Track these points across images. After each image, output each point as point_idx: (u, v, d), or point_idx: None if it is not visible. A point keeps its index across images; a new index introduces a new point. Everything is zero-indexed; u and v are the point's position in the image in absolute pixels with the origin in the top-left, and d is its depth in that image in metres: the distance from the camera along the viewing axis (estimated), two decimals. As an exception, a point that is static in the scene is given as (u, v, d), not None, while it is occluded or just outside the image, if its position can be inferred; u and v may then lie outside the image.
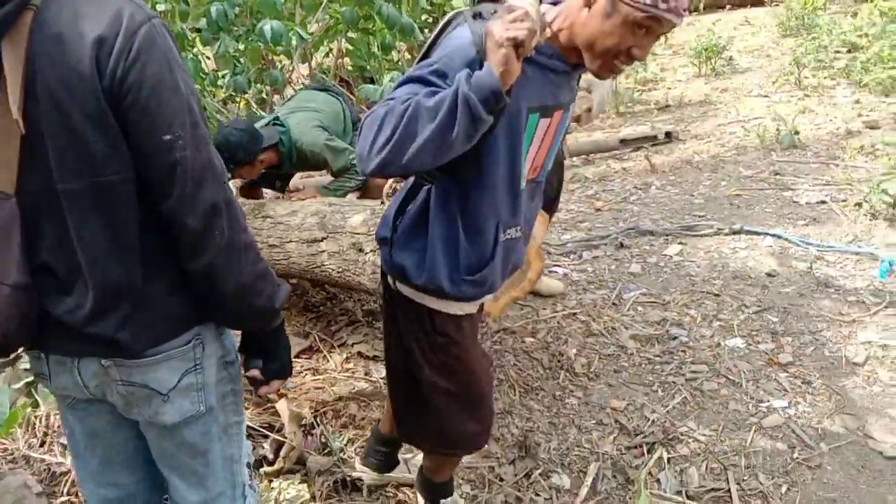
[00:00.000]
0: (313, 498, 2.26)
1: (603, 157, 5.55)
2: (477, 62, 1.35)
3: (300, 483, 2.27)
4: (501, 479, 2.38)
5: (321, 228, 2.76)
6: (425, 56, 1.51)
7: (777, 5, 9.72)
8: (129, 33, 1.06)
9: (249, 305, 1.27)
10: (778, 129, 5.32)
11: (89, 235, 1.14)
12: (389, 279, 1.71)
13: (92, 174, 1.11)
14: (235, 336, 1.40)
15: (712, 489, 2.28)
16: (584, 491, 2.30)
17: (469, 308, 1.72)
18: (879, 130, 5.14)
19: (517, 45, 1.23)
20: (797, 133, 5.21)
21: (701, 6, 10.01)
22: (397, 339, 1.76)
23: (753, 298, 3.34)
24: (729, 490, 2.26)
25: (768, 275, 3.53)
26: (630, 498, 2.27)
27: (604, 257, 3.94)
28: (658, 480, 2.32)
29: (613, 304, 3.42)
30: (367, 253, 2.57)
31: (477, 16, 1.44)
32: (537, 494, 2.32)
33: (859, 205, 4.08)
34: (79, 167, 1.10)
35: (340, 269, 2.67)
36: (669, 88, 7.18)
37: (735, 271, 3.62)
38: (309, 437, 2.47)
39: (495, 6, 1.42)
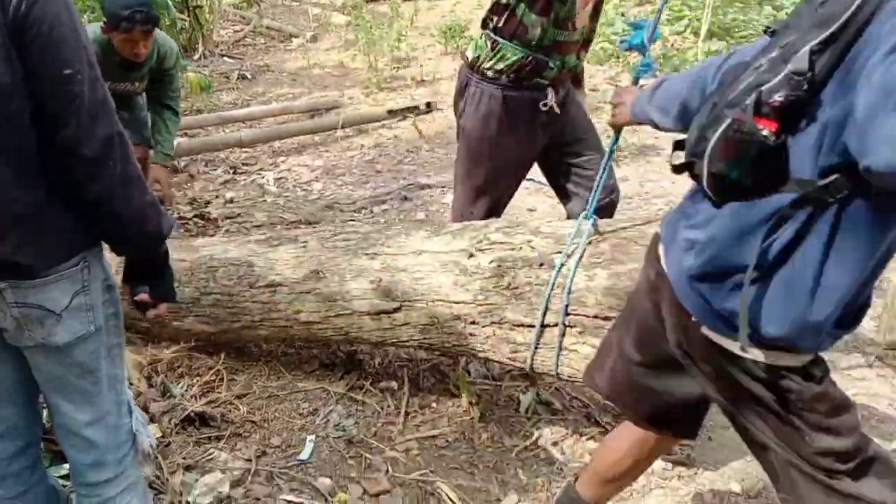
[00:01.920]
0: (164, 435, 2.38)
1: (374, 127, 5.95)
2: None
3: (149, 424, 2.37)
4: (336, 394, 2.68)
5: (385, 296, 2.38)
6: None
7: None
8: None
9: (140, 231, 1.39)
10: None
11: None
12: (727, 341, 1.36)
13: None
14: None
15: (508, 371, 2.78)
16: (408, 388, 2.68)
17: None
18: (597, 92, 6.17)
19: None
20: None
21: (438, -8, 10.80)
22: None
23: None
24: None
25: (529, 210, 4.20)
26: (446, 389, 2.71)
27: (391, 210, 4.36)
28: (468, 371, 2.77)
29: (407, 246, 3.84)
30: (484, 325, 2.23)
31: None
32: (370, 397, 2.65)
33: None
34: None
35: (451, 344, 2.35)
36: (422, 65, 7.78)
37: (503, 210, 4.24)
38: (151, 388, 2.55)
39: None
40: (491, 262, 2.23)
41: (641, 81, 1.96)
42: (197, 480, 2.26)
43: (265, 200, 4.54)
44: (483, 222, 2.46)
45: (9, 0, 1.15)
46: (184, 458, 2.33)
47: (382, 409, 2.60)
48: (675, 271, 1.42)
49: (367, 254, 2.48)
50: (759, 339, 1.29)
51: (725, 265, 1.31)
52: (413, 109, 6.21)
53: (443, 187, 4.61)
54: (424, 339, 2.38)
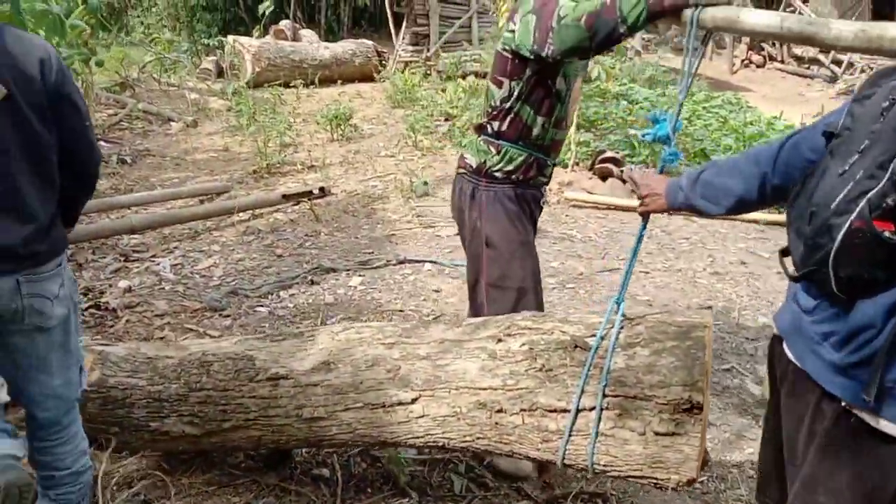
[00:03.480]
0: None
1: (268, 212, 5.97)
2: None
3: None
4: (268, 485, 2.63)
5: (403, 385, 2.19)
6: None
7: (382, 81, 11.38)
8: (56, 58, 1.84)
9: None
10: (411, 181, 6.41)
11: (26, 183, 1.80)
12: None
13: (34, 146, 1.80)
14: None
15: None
16: (340, 475, 2.69)
17: None
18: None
19: None
20: (426, 183, 6.36)
21: (317, 80, 11.11)
22: None
23: (429, 309, 4.12)
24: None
25: (435, 290, 4.37)
26: (378, 474, 2.74)
27: (299, 294, 4.38)
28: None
29: (320, 330, 3.87)
30: (512, 413, 2.05)
31: None
32: (303, 486, 2.63)
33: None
34: (23, 140, 1.77)
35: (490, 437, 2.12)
36: (310, 151, 7.93)
37: (409, 291, 4.38)
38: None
39: None
40: (522, 345, 2.09)
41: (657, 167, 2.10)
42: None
43: (164, 288, 4.42)
44: (506, 316, 2.32)
45: (48, 74, 1.79)
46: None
47: (317, 498, 2.59)
48: (815, 364, 1.55)
49: (384, 343, 2.31)
50: None
51: (873, 349, 1.43)
52: (307, 194, 6.29)
53: (348, 271, 4.69)
54: (442, 433, 2.16)
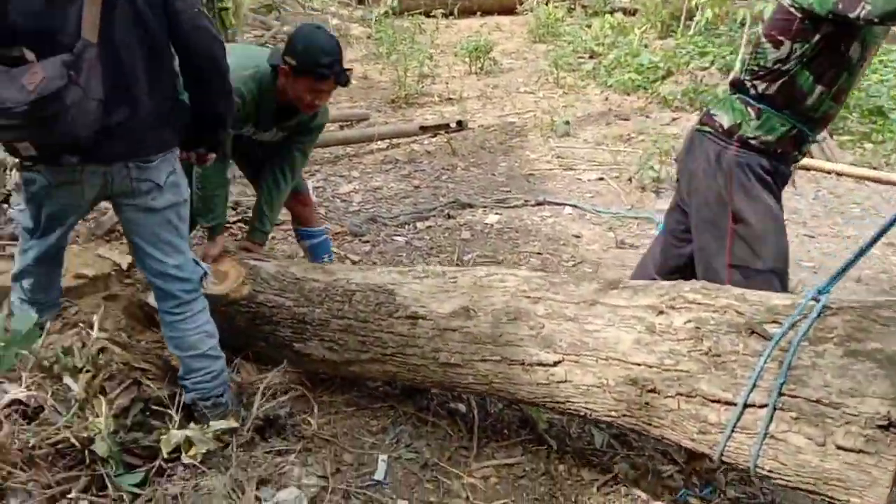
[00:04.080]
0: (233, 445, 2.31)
1: (406, 142, 5.93)
2: None
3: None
4: (405, 413, 2.62)
5: (545, 345, 2.03)
6: None
7: (524, 14, 10.97)
8: None
9: (227, 107, 2.22)
10: (552, 120, 6.16)
11: (142, 74, 1.96)
12: None
13: (148, 36, 1.95)
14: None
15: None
16: (476, 413, 2.63)
17: None
18: (630, 121, 6.21)
19: None
20: (567, 123, 6.09)
21: (455, 11, 10.86)
22: None
23: (568, 255, 3.95)
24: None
25: (575, 236, 4.19)
26: (516, 416, 2.66)
27: (436, 227, 4.33)
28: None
29: (456, 264, 3.81)
30: (667, 396, 1.83)
31: None
32: (439, 419, 2.60)
33: (630, 180, 4.96)
34: (140, 35, 1.93)
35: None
36: (447, 83, 7.79)
37: (547, 234, 4.22)
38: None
39: None
40: (687, 322, 1.85)
41: None
42: (273, 496, 2.20)
43: (305, 209, 4.49)
44: (670, 284, 2.06)
45: None
46: (256, 471, 2.26)
47: (453, 432, 2.55)
48: None
49: (528, 297, 2.15)
50: None
51: None
52: (445, 127, 6.20)
53: (485, 208, 4.59)
54: (585, 403, 2.00)
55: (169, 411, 2.31)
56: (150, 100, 2.00)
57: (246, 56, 2.70)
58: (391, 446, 2.49)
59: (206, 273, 2.32)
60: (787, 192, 2.54)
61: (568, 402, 2.03)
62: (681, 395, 1.81)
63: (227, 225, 3.93)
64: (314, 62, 2.54)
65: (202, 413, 2.31)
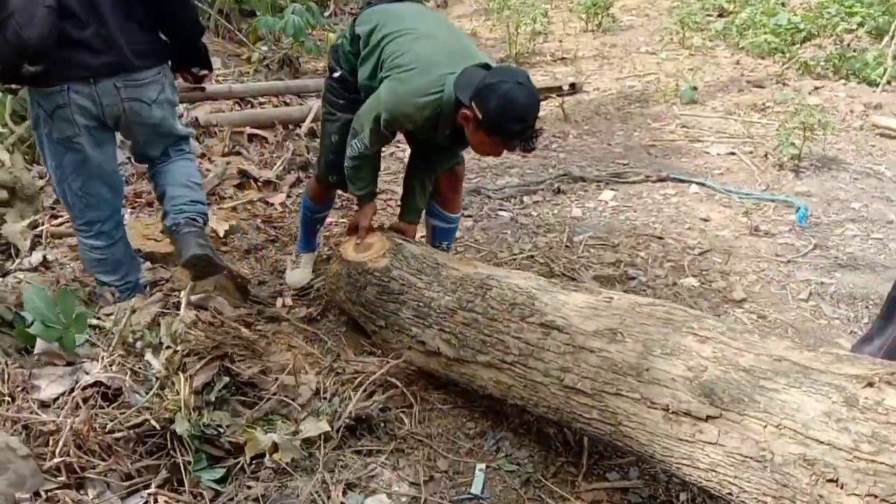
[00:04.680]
0: (323, 441, 2.14)
1: (515, 105, 5.57)
2: None
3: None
4: (506, 417, 2.37)
5: (702, 394, 1.66)
6: None
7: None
8: None
9: (196, 32, 2.45)
10: (677, 84, 5.62)
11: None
12: None
13: None
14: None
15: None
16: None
17: None
18: (765, 89, 5.58)
19: None
20: (695, 88, 5.54)
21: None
22: None
23: (694, 241, 3.54)
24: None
25: (703, 219, 3.76)
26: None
27: (543, 202, 4.00)
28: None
29: (566, 246, 3.49)
30: (850, 492, 1.41)
31: None
32: (546, 426, 2.33)
33: (766, 156, 4.43)
34: None
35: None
36: (561, 41, 7.32)
37: (670, 216, 3.81)
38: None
39: None
40: None
41: None
42: (361, 503, 2.02)
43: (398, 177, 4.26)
44: None
45: None
46: (344, 473, 2.08)
47: (560, 444, 2.28)
48: None
49: (695, 334, 1.80)
50: None
51: None
52: (556, 89, 5.80)
53: (599, 182, 4.20)
54: (734, 478, 1.58)
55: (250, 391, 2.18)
56: (118, 15, 2.16)
57: (430, 68, 2.30)
58: (490, 454, 2.25)
59: (192, 133, 2.76)
60: None
61: (710, 471, 1.63)
62: (873, 496, 1.38)
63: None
64: (505, 128, 2.17)
65: (172, 233, 2.49)
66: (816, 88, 5.48)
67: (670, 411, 1.69)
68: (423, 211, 2.85)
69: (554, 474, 2.18)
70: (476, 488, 2.12)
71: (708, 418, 1.62)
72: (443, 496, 2.08)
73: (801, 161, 4.29)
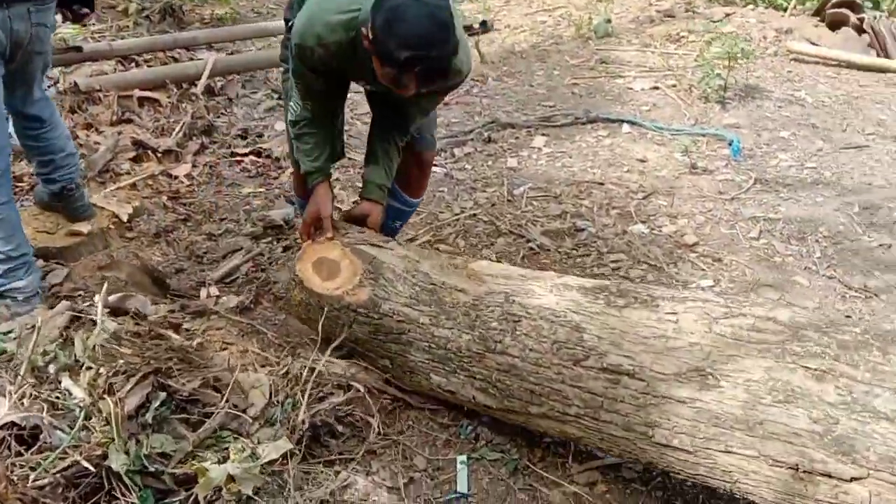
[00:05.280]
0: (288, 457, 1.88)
1: (426, 48, 5.25)
2: None
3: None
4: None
5: (838, 450, 1.39)
6: None
7: None
8: None
9: None
10: (590, 18, 5.45)
11: None
12: None
13: None
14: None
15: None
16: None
17: None
18: (677, 18, 5.51)
19: None
20: (609, 21, 5.39)
21: None
22: None
23: (636, 184, 3.43)
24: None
25: (640, 160, 3.65)
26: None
27: (475, 153, 3.77)
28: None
29: (508, 200, 3.30)
30: None
31: None
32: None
33: (690, 89, 4.36)
34: None
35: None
36: (464, -23, 6.98)
37: (607, 159, 3.68)
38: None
39: None
40: None
41: None
42: (340, 525, 1.79)
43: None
44: None
45: None
46: (316, 492, 1.84)
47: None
48: None
49: (805, 367, 1.46)
50: None
51: None
52: (467, 28, 5.49)
53: (528, 128, 4.01)
54: None
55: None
56: None
57: None
58: (468, 443, 2.06)
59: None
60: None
61: None
62: None
63: (238, 157, 3.39)
64: (389, 53, 1.72)
65: (66, 196, 2.68)
66: (727, 15, 5.46)
67: (801, 471, 1.42)
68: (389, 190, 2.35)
69: (541, 458, 2.02)
70: (461, 485, 1.94)
71: (851, 479, 1.37)
72: (427, 500, 1.89)
73: (726, 92, 4.25)
